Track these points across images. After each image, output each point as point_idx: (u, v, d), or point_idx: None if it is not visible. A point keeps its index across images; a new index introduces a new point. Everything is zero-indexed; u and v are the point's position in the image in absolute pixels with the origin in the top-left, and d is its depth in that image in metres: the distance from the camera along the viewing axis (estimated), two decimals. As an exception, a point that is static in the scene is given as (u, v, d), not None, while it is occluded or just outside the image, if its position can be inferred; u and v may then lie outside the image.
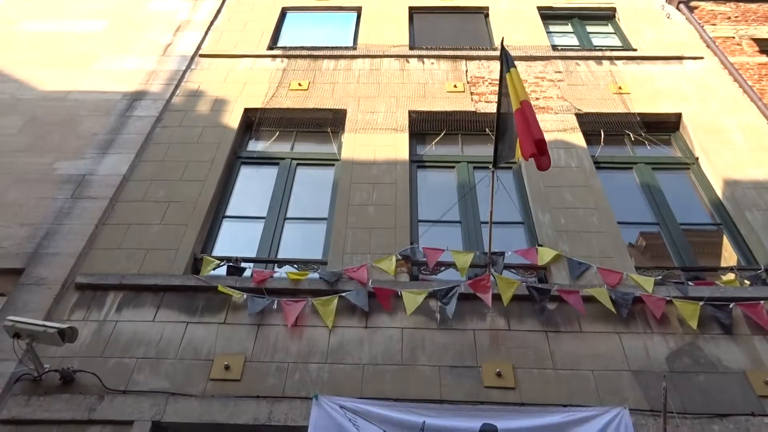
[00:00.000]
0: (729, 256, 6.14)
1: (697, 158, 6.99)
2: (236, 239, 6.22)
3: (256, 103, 7.65)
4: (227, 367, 4.69)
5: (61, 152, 6.83)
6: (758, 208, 6.10)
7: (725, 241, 6.24)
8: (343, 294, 5.16)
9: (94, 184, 6.39)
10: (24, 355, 4.62)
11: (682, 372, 4.72)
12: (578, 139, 7.04)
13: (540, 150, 4.52)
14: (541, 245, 5.78)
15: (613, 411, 4.22)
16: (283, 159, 7.15)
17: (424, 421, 4.17)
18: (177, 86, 7.93)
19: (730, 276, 5.64)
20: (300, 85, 7.95)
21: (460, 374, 4.69)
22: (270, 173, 6.98)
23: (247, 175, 7.05)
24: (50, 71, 8.24)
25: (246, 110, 7.56)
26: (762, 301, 5.09)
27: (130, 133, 7.12)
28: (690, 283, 5.50)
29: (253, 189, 6.86)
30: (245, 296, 5.18)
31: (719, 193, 6.53)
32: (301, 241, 6.18)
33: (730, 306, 5.08)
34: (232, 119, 7.37)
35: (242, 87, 7.90)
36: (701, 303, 5.06)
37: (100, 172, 6.54)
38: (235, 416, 4.39)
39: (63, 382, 4.61)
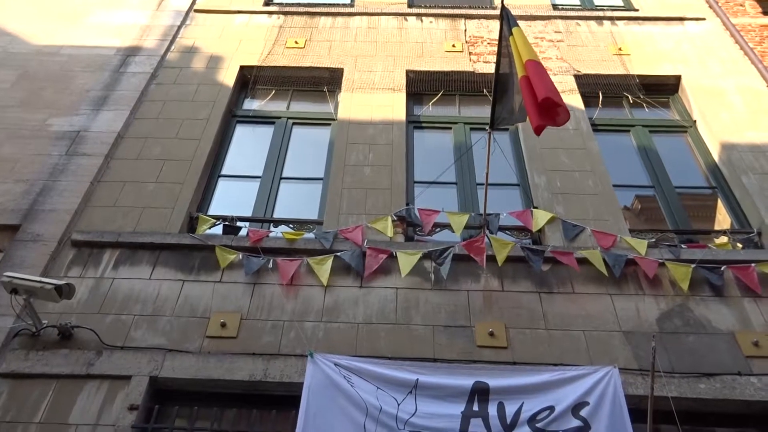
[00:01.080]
0: (723, 219, 6.18)
1: (695, 121, 6.96)
2: (232, 198, 6.22)
3: (252, 61, 7.54)
4: (223, 325, 4.74)
5: (55, 108, 6.76)
6: (754, 171, 6.10)
7: (719, 204, 6.27)
8: (338, 254, 5.19)
9: (88, 140, 6.34)
10: (22, 311, 4.66)
11: (672, 333, 4.79)
12: (576, 101, 6.98)
13: (553, 106, 4.36)
14: (536, 207, 5.79)
15: (603, 370, 4.30)
16: (279, 118, 7.09)
17: (418, 379, 4.25)
18: (171, 42, 7.80)
19: (723, 239, 5.68)
20: (296, 42, 7.83)
21: (453, 334, 4.75)
22: (266, 132, 6.94)
23: (242, 134, 7.00)
24: (43, 25, 8.08)
25: (242, 68, 7.46)
26: (753, 264, 5.14)
27: (125, 89, 7.03)
28: (683, 245, 5.55)
29: (248, 148, 6.83)
30: (240, 255, 5.20)
31: (716, 156, 6.52)
32: (296, 201, 6.18)
33: (722, 268, 5.14)
34: (228, 77, 7.28)
35: (238, 44, 7.78)
36: (693, 265, 5.11)
37: (95, 129, 6.48)
38: (231, 372, 4.46)
39: (61, 338, 4.66)
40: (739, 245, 5.65)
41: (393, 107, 6.85)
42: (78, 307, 4.89)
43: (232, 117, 7.08)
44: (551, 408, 4.08)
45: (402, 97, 7.01)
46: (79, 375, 4.44)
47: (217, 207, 6.09)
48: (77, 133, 6.42)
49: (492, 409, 4.09)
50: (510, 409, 4.08)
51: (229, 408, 4.27)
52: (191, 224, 5.70)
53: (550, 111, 4.40)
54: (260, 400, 4.39)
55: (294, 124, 7.07)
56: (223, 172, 6.48)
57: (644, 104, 7.28)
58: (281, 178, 6.37)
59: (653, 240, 5.58)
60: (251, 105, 7.37)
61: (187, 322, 4.80)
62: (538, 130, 4.40)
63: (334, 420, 4.02)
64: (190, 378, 4.45)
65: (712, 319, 4.90)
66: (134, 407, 4.24)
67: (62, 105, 6.80)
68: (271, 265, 5.13)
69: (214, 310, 4.89)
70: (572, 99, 6.97)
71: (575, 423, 4.03)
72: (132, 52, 7.62)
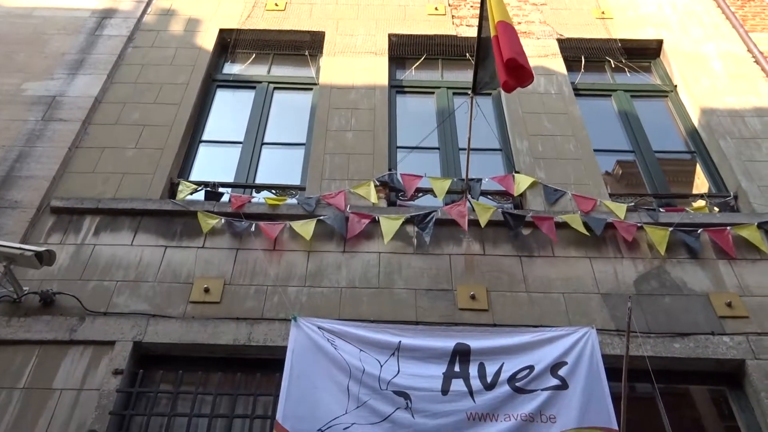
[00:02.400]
0: (701, 184, 6.26)
1: (676, 86, 7.00)
2: (213, 164, 6.17)
3: (232, 24, 7.40)
4: (207, 290, 4.76)
5: (29, 72, 6.60)
6: (732, 136, 6.17)
7: (698, 169, 6.35)
8: (321, 218, 5.20)
9: (65, 106, 6.22)
10: (2, 278, 4.62)
11: (649, 294, 4.90)
12: (559, 65, 6.98)
13: (518, 67, 4.41)
14: (518, 172, 5.83)
15: (581, 331, 4.40)
16: (259, 83, 7.01)
17: (400, 341, 4.32)
18: (148, 4, 7.60)
19: (701, 203, 5.78)
20: (276, 5, 7.68)
21: (435, 297, 4.81)
22: (246, 97, 6.85)
23: (223, 98, 6.91)
24: (12, -14, 7.84)
25: (221, 31, 7.32)
26: (729, 227, 5.24)
27: (101, 53, 6.87)
28: (661, 209, 5.64)
29: (229, 113, 6.75)
30: (223, 221, 5.18)
31: (695, 121, 6.58)
32: (278, 167, 6.15)
33: (698, 231, 5.23)
34: (207, 40, 7.14)
35: (216, 6, 7.62)
36: (670, 229, 5.20)
37: (71, 94, 6.35)
38: (216, 337, 4.49)
39: (43, 304, 4.64)
40: (716, 209, 5.75)
41: (375, 71, 6.79)
42: (59, 273, 4.86)
43: (212, 81, 6.98)
44: (531, 367, 4.18)
45: (384, 61, 6.95)
46: (63, 341, 4.44)
47: (198, 173, 6.04)
48: (53, 98, 6.29)
49: (473, 370, 4.18)
50: (490, 369, 4.18)
51: (213, 372, 4.30)
52: (172, 190, 5.66)
53: (520, 71, 4.44)
54: (244, 364, 4.44)
55: (275, 88, 6.99)
56: (204, 137, 6.42)
57: (626, 69, 7.29)
58: (263, 144, 6.32)
59: (632, 204, 5.65)
60: (231, 69, 7.26)
61: (170, 288, 4.81)
62: (506, 88, 4.44)
63: (318, 381, 4.08)
64: (174, 342, 4.48)
65: (688, 281, 5.00)
66: (119, 372, 4.26)
67: (37, 69, 6.64)
68: (253, 229, 5.12)
69: (197, 275, 4.89)
70: (555, 63, 6.97)
71: (553, 382, 4.13)
72: (108, 14, 7.44)
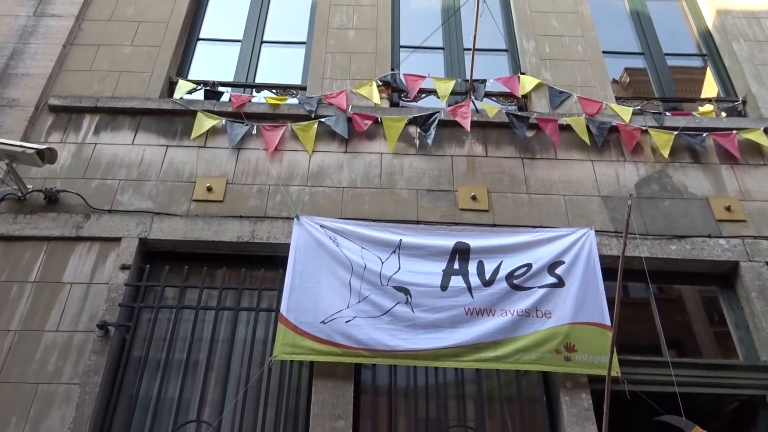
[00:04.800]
0: (710, 89, 6.14)
1: (691, -16, 6.72)
2: (212, 63, 6.03)
3: None
4: (209, 189, 4.78)
5: (17, -35, 6.32)
6: (746, 38, 5.99)
7: (708, 74, 6.20)
8: (323, 120, 5.14)
9: (56, 0, 6.00)
10: (5, 176, 4.66)
11: (649, 198, 4.92)
12: (571, -40, 6.65)
13: None
14: (524, 73, 5.71)
15: (580, 231, 4.47)
16: (258, -23, 6.72)
17: (401, 239, 4.39)
18: None
19: (708, 107, 5.68)
20: None
21: (436, 197, 4.84)
22: (244, -8, 6.60)
23: (220, -6, 6.66)
24: None
25: None
26: (735, 131, 5.19)
27: (91, -56, 6.55)
28: (667, 113, 5.55)
29: (227, 10, 6.51)
30: (224, 121, 5.13)
31: (709, 22, 6.36)
32: (279, 66, 6.01)
33: (704, 135, 5.18)
34: (201, -69, 6.78)
35: None
36: (675, 133, 5.15)
37: (62, -12, 6.12)
38: (219, 234, 4.56)
39: (48, 202, 4.68)
40: (723, 114, 5.67)
41: (378, -34, 6.49)
42: (62, 172, 4.88)
43: (208, -25, 6.69)
44: (528, 266, 4.27)
45: (388, -46, 6.62)
46: (70, 237, 4.52)
47: (196, 72, 5.91)
48: (44, -8, 6.07)
49: (472, 267, 4.28)
50: (489, 267, 4.28)
51: (218, 268, 4.40)
52: (171, 89, 5.56)
53: None
54: (248, 260, 4.53)
55: (274, -17, 6.71)
56: (202, 35, 6.24)
57: (641, -34, 6.96)
58: (262, 42, 6.15)
59: (638, 108, 5.56)
60: (228, -37, 6.94)
61: (172, 186, 4.83)
62: None
63: (321, 277, 4.20)
64: (178, 239, 4.55)
65: (689, 185, 5.01)
66: (126, 267, 4.37)
67: (25, -39, 6.35)
68: (255, 131, 5.09)
69: (200, 174, 4.90)
70: (566, -42, 6.64)
71: (550, 280, 4.24)
72: None
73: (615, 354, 3.74)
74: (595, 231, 4.50)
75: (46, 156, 4.49)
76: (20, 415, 3.77)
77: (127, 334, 4.11)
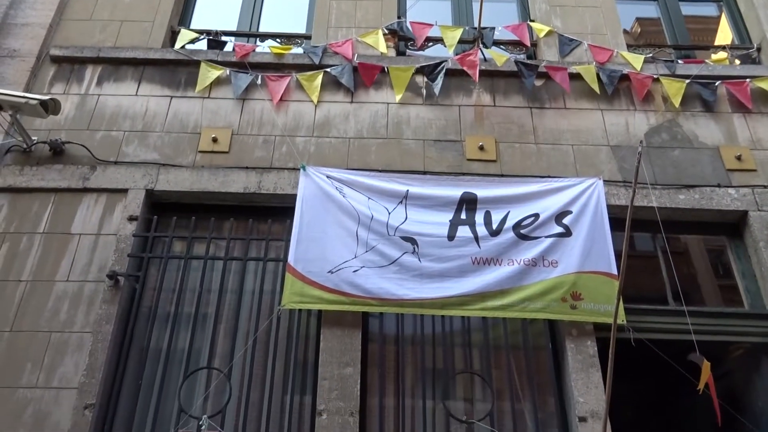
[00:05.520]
0: (724, 38, 5.99)
1: (710, -74, 6.48)
2: (214, 11, 5.91)
3: None
4: (215, 140, 4.75)
5: None
6: (764, -18, 5.81)
7: (723, 23, 6.06)
8: (328, 69, 5.06)
9: (53, -54, 5.85)
10: (10, 127, 4.63)
11: (659, 147, 4.86)
12: None
13: None
14: (533, 21, 5.58)
15: (588, 181, 4.44)
16: None
17: (408, 190, 4.38)
18: None
19: (722, 54, 5.56)
20: None
21: (443, 147, 4.80)
22: (246, -62, 6.41)
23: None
24: None
25: None
26: (748, 79, 5.08)
27: None
28: (679, 61, 5.44)
29: (229, -44, 6.35)
30: (228, 71, 5.06)
31: (725, -34, 6.18)
32: (282, 15, 5.89)
33: (716, 84, 5.09)
34: None
35: None
36: (687, 81, 5.05)
37: (59, -67, 5.95)
38: (226, 185, 4.55)
39: (53, 154, 4.67)
40: (737, 61, 5.55)
41: None
42: (66, 123, 4.84)
43: None
44: (536, 216, 4.26)
45: None
46: (76, 189, 4.52)
47: (199, 21, 5.81)
48: (41, -62, 5.91)
49: (479, 217, 4.27)
50: (496, 217, 4.27)
51: (225, 219, 4.40)
52: (173, 39, 5.47)
53: None
54: (255, 211, 4.53)
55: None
56: (204, -17, 6.10)
57: None
58: (265, -10, 6.02)
59: (650, 55, 5.45)
60: None
61: (178, 138, 4.80)
62: None
63: (328, 227, 4.20)
64: (185, 191, 4.55)
65: (700, 134, 4.95)
66: (133, 218, 4.38)
67: None
68: (259, 81, 5.02)
69: (205, 125, 4.86)
70: None
71: (557, 229, 4.24)
72: None
73: (621, 302, 3.75)
74: (604, 181, 4.47)
75: (50, 107, 4.46)
76: (35, 362, 3.85)
77: (136, 285, 4.14)
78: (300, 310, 4.09)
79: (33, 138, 4.68)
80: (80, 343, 3.91)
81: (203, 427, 3.62)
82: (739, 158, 4.79)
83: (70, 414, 3.68)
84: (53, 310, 4.03)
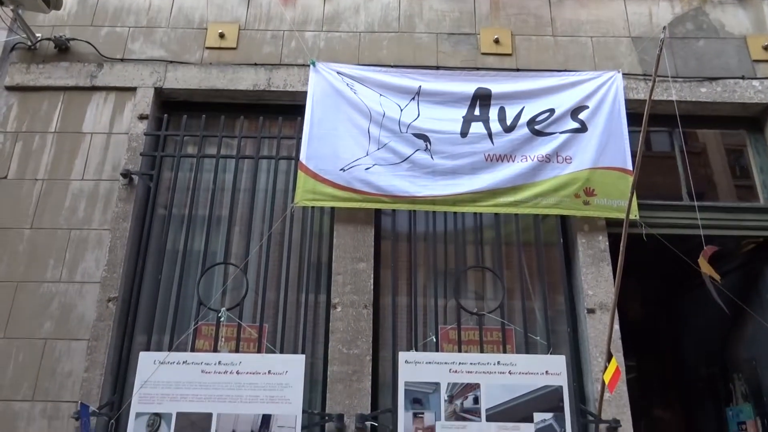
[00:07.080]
0: None
1: None
2: None
3: None
4: (222, 36, 4.62)
5: None
6: None
7: None
8: (337, -42, 4.82)
9: None
10: (12, 23, 4.52)
11: (683, 38, 4.66)
12: None
13: None
14: None
15: (607, 74, 4.31)
16: None
17: (420, 86, 4.28)
18: None
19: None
20: None
21: (457, 41, 4.64)
22: None
23: None
24: None
25: None
26: (784, -37, 4.79)
27: None
28: (711, -55, 5.10)
29: None
30: (232, -39, 4.84)
31: None
32: None
33: (748, -32, 4.80)
34: None
35: None
36: (718, -34, 4.76)
37: None
38: (235, 82, 4.47)
39: (58, 51, 4.58)
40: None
41: None
42: (69, 19, 4.72)
43: None
44: (551, 111, 4.17)
45: None
46: (85, 87, 4.47)
47: None
48: None
49: (493, 113, 4.19)
50: (510, 113, 4.18)
51: (236, 117, 4.35)
52: (174, -73, 5.20)
53: None
54: (265, 109, 4.48)
55: None
56: None
57: None
58: None
59: (679, -61, 5.11)
60: None
61: (184, 34, 4.67)
62: None
63: (340, 125, 4.15)
64: (194, 88, 4.48)
65: (726, 24, 4.72)
66: (144, 116, 4.35)
67: None
68: (265, -29, 4.81)
69: (211, 20, 4.71)
70: None
71: (573, 125, 4.16)
72: None
73: (635, 196, 3.73)
74: (623, 74, 4.33)
75: (51, 1, 4.33)
76: (57, 259, 3.96)
77: (150, 183, 4.17)
78: (313, 207, 4.12)
79: (37, 35, 4.58)
80: (99, 239, 4.00)
81: (222, 319, 3.77)
82: (766, 48, 4.59)
83: (95, 306, 3.83)
84: (71, 209, 4.10)
